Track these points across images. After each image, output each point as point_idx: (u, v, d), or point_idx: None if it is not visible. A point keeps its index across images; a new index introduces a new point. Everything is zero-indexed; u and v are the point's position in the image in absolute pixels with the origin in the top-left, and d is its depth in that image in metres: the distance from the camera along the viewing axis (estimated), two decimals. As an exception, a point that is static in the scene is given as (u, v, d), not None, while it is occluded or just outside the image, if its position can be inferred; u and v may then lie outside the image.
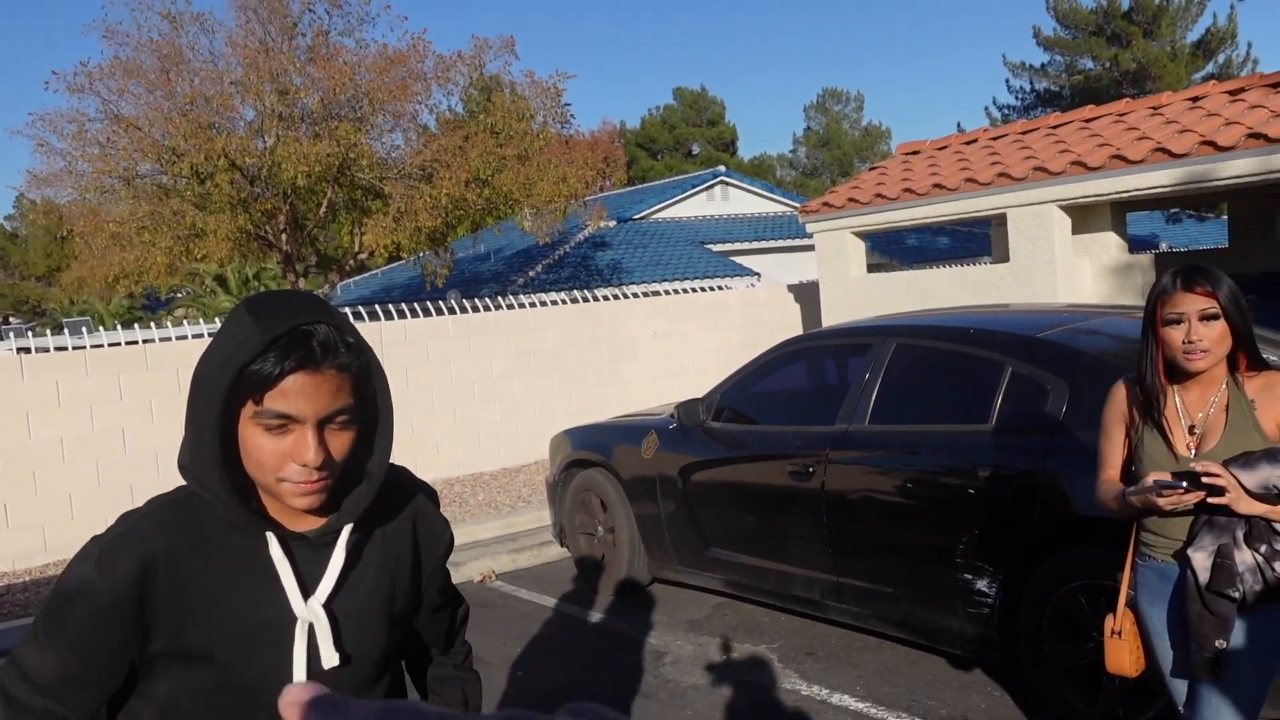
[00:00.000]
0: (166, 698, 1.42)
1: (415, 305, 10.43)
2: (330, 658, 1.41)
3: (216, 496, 1.35)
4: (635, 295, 12.89)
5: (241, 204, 13.58)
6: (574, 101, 77.47)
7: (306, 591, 1.42)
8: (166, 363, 8.77)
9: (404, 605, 1.58)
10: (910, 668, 4.85)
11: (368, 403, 1.41)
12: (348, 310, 10.73)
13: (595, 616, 6.09)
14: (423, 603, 1.65)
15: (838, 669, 4.92)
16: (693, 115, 50.14)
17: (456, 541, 7.78)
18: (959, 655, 4.62)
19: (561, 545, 6.98)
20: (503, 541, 7.84)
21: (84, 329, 9.34)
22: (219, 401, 1.29)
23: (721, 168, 30.04)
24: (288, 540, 1.42)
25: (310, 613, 1.41)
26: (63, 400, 8.26)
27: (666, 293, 12.64)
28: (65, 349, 8.51)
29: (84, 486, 8.33)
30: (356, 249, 15.37)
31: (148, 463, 8.57)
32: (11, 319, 41.54)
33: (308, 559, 1.44)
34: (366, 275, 27.79)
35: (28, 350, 8.35)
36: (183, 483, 1.45)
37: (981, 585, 4.27)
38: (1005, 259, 9.49)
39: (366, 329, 9.78)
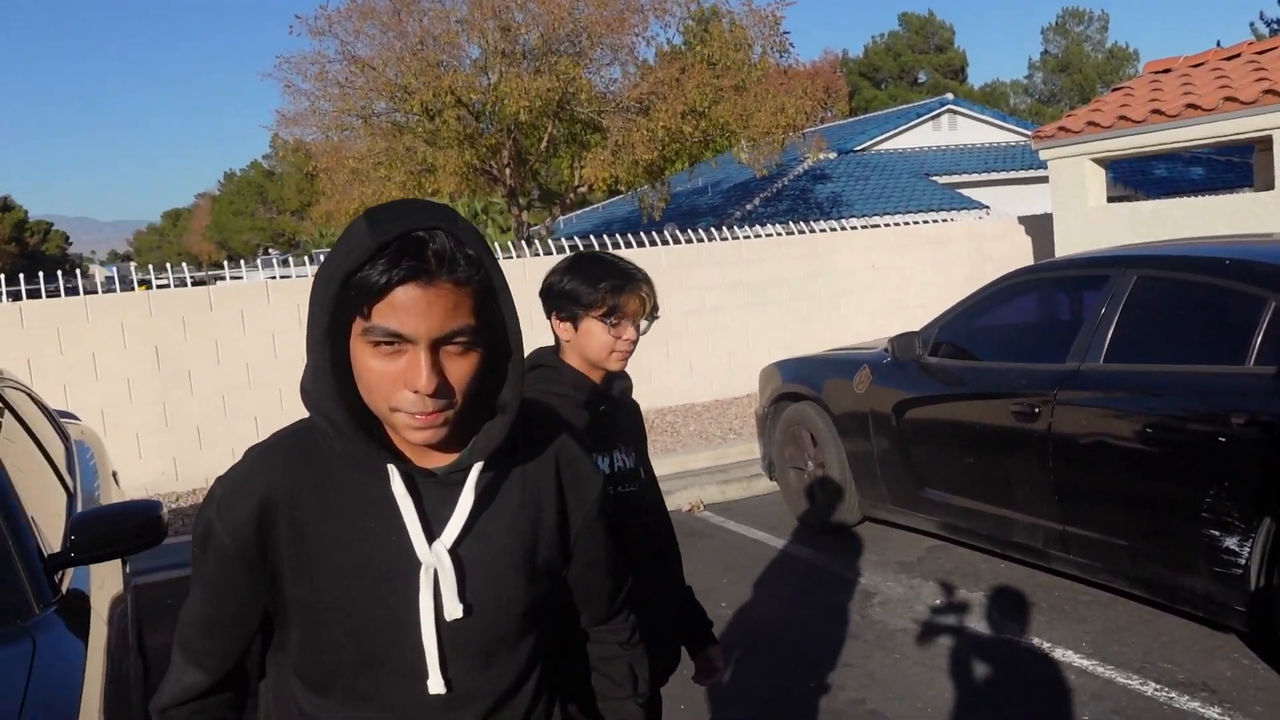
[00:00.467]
0: (299, 650, 1.33)
1: (629, 236, 10.47)
2: (454, 608, 1.28)
3: (333, 424, 1.22)
4: (854, 228, 12.49)
5: (468, 139, 14.01)
6: (793, 30, 75.63)
7: (432, 534, 1.28)
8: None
9: (548, 557, 1.40)
10: (1143, 627, 4.49)
11: (495, 326, 1.25)
12: (565, 243, 10.90)
13: (803, 552, 5.98)
14: (573, 557, 1.47)
15: (1061, 622, 4.62)
16: (919, 41, 47.96)
17: (667, 470, 7.84)
18: (1201, 617, 4.23)
19: (770, 479, 6.89)
20: (712, 472, 7.83)
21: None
22: (326, 314, 1.17)
23: (949, 95, 28.61)
24: (414, 477, 1.28)
25: (434, 557, 1.27)
26: (303, 322, 8.80)
27: (886, 225, 12.17)
28: (305, 277, 9.05)
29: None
30: (576, 183, 15.60)
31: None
32: (270, 250, 44.95)
33: (435, 499, 1.29)
34: (587, 209, 28.29)
35: (272, 278, 8.94)
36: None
37: (1231, 543, 3.87)
38: (1269, 186, 8.54)
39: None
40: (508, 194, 15.34)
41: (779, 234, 11.46)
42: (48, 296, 8.36)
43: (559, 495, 1.41)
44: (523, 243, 13.30)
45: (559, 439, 1.44)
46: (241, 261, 11.15)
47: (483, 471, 1.30)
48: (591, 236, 10.45)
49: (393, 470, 1.25)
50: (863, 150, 24.50)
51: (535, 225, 18.34)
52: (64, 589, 2.51)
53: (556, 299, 2.15)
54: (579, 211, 27.76)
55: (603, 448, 2.15)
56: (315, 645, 1.30)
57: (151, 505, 2.78)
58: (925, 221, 12.31)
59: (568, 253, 9.99)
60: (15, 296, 8.40)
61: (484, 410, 1.30)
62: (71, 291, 8.41)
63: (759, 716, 3.97)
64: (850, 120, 31.10)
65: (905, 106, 30.22)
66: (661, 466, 7.76)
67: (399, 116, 14.89)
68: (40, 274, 8.75)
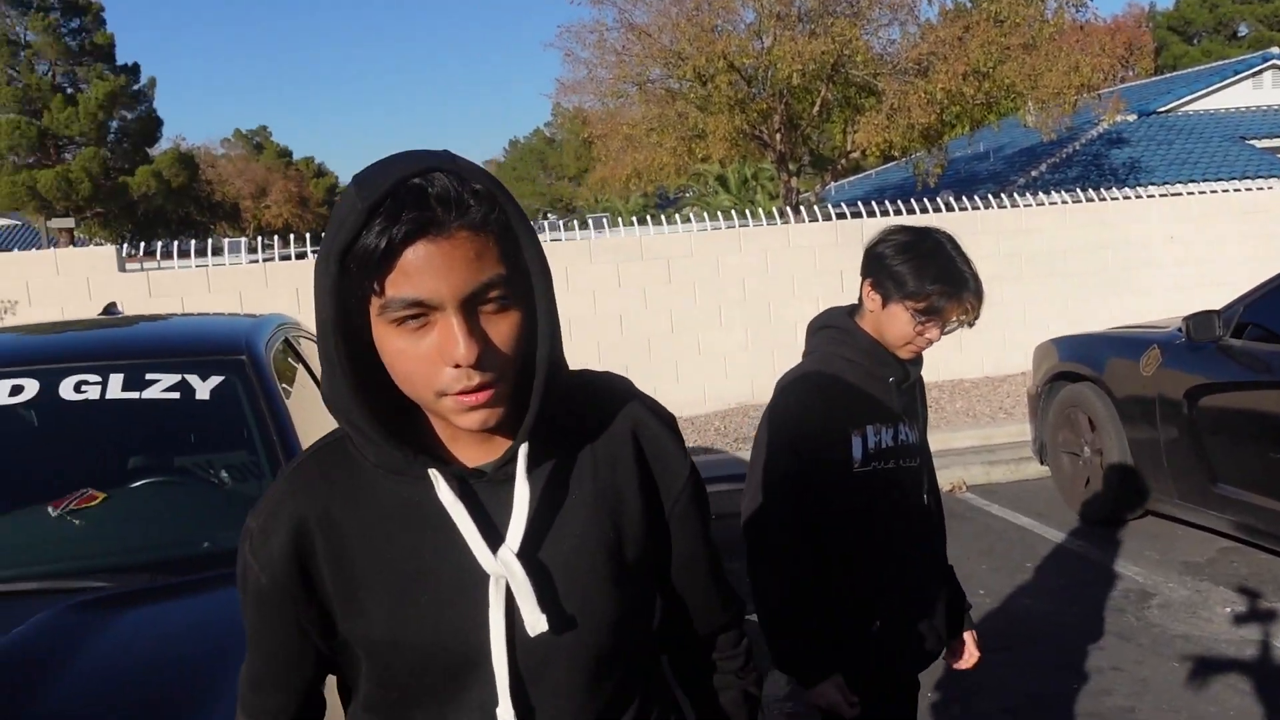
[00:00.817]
0: (367, 691, 1.14)
1: (900, 204, 10.09)
2: (536, 622, 1.06)
3: (359, 431, 1.05)
4: (1150, 196, 11.46)
5: (739, 104, 13.96)
6: (1097, -16, 70.15)
7: (497, 541, 1.07)
8: (659, 254, 9.31)
9: (638, 553, 1.17)
10: None
11: (523, 273, 1.03)
12: (832, 210, 10.66)
13: (1073, 544, 5.57)
14: (671, 552, 1.24)
15: (1379, 646, 4.05)
16: (1244, -11, 43.23)
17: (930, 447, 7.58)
18: None
19: (1041, 463, 6.47)
20: (978, 452, 7.46)
21: (604, 223, 10.19)
22: (330, 302, 0.98)
23: (1275, 49, 25.64)
24: (465, 480, 1.09)
25: (501, 565, 1.06)
26: (571, 285, 9.11)
27: (1190, 193, 11.07)
28: (574, 240, 9.35)
29: (586, 364, 9.15)
30: (848, 148, 15.22)
31: (641, 347, 9.24)
32: (548, 215, 47.02)
33: (495, 501, 1.09)
34: (859, 176, 27.61)
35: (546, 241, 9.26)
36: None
37: None
38: None
39: (844, 226, 9.65)
40: (777, 160, 15.18)
41: (1063, 202, 10.68)
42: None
43: (641, 476, 1.18)
44: (788, 209, 13.14)
45: (633, 411, 1.20)
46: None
47: (541, 457, 1.10)
48: (860, 204, 10.15)
49: (436, 475, 1.07)
50: (1167, 111, 22.45)
51: (805, 192, 18.11)
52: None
53: (880, 271, 2.06)
54: (851, 178, 27.14)
55: (886, 420, 2.09)
56: (382, 685, 1.13)
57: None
58: (1237, 189, 11.10)
59: (834, 220, 9.79)
60: (320, 254, 9.20)
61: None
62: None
63: (1014, 713, 3.73)
64: (1154, 79, 28.55)
65: (1221, 63, 27.38)
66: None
67: (672, 82, 15.05)
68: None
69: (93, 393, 2.64)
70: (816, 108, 14.65)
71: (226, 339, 3.04)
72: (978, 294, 2.03)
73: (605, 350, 9.20)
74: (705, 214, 10.97)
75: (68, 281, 8.24)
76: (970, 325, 2.06)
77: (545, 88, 56.83)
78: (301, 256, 9.06)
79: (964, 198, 10.53)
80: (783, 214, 10.73)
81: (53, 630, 1.97)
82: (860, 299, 2.12)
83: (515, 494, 1.07)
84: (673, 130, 14.76)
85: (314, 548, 1.09)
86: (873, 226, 9.64)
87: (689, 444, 8.47)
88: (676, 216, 10.46)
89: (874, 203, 10.12)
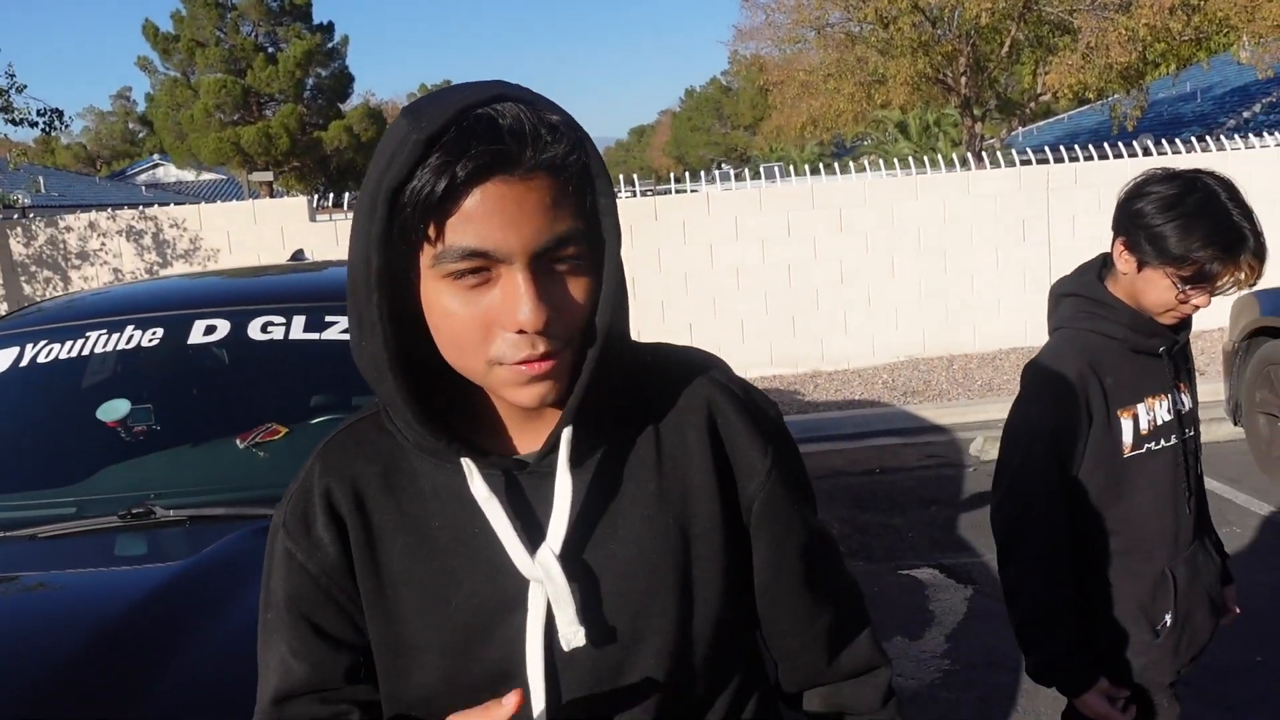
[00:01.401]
0: (387, 708, 1.00)
1: (1091, 149, 9.53)
2: (573, 635, 0.91)
3: (390, 404, 0.91)
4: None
5: (922, 47, 13.50)
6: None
7: (538, 540, 0.92)
8: (831, 203, 9.14)
9: (714, 567, 0.98)
10: None
11: (595, 229, 0.88)
12: (1017, 157, 10.19)
13: (1268, 510, 5.21)
14: (754, 560, 1.02)
15: None
16: None
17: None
18: None
19: (1235, 423, 6.06)
20: (1168, 414, 7.05)
21: (776, 172, 10.07)
22: (377, 251, 0.83)
23: None
24: (510, 470, 0.94)
25: (539, 569, 0.91)
26: (740, 234, 9.06)
27: None
28: (744, 188, 9.28)
29: (753, 313, 9.17)
30: (1038, 90, 14.52)
31: (808, 298, 9.12)
32: (723, 165, 46.78)
33: (540, 494, 0.94)
34: (1051, 120, 26.25)
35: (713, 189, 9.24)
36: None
37: None
38: None
39: (1028, 172, 9.20)
40: (961, 105, 14.63)
41: (1277, 145, 9.85)
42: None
43: (718, 466, 0.98)
44: (969, 155, 12.64)
45: (708, 391, 1.00)
46: (688, 175, 11.72)
47: (594, 446, 0.94)
48: (1047, 149, 9.65)
49: (470, 466, 0.92)
50: None
51: (990, 138, 17.35)
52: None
53: (1136, 230, 1.79)
54: (1041, 123, 25.84)
55: (1159, 392, 1.88)
56: (402, 700, 0.98)
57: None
58: None
59: (1018, 167, 9.34)
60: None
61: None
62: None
63: (1189, 684, 3.53)
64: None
65: None
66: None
67: (852, 26, 14.68)
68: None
69: (277, 333, 2.81)
70: (1006, 48, 14.01)
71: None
72: (1259, 253, 1.73)
73: (772, 299, 9.14)
74: (881, 162, 10.69)
75: (264, 231, 8.78)
76: (1251, 287, 1.78)
77: (723, 35, 56.19)
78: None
79: (1165, 141, 9.86)
80: (964, 161, 10.34)
81: (241, 550, 2.12)
82: (1111, 257, 1.87)
83: (556, 488, 0.92)
84: (851, 75, 14.41)
85: (349, 533, 0.96)
86: (1059, 174, 9.18)
87: (856, 395, 8.33)
88: (850, 164, 10.22)
89: (1062, 148, 9.60)
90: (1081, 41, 12.87)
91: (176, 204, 9.59)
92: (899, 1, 12.80)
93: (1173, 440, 1.89)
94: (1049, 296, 2.00)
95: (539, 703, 0.92)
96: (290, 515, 0.98)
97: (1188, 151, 9.59)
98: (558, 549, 0.91)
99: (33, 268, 8.83)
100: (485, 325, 0.84)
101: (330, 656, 0.98)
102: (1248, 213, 1.74)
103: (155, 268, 8.83)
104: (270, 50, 32.27)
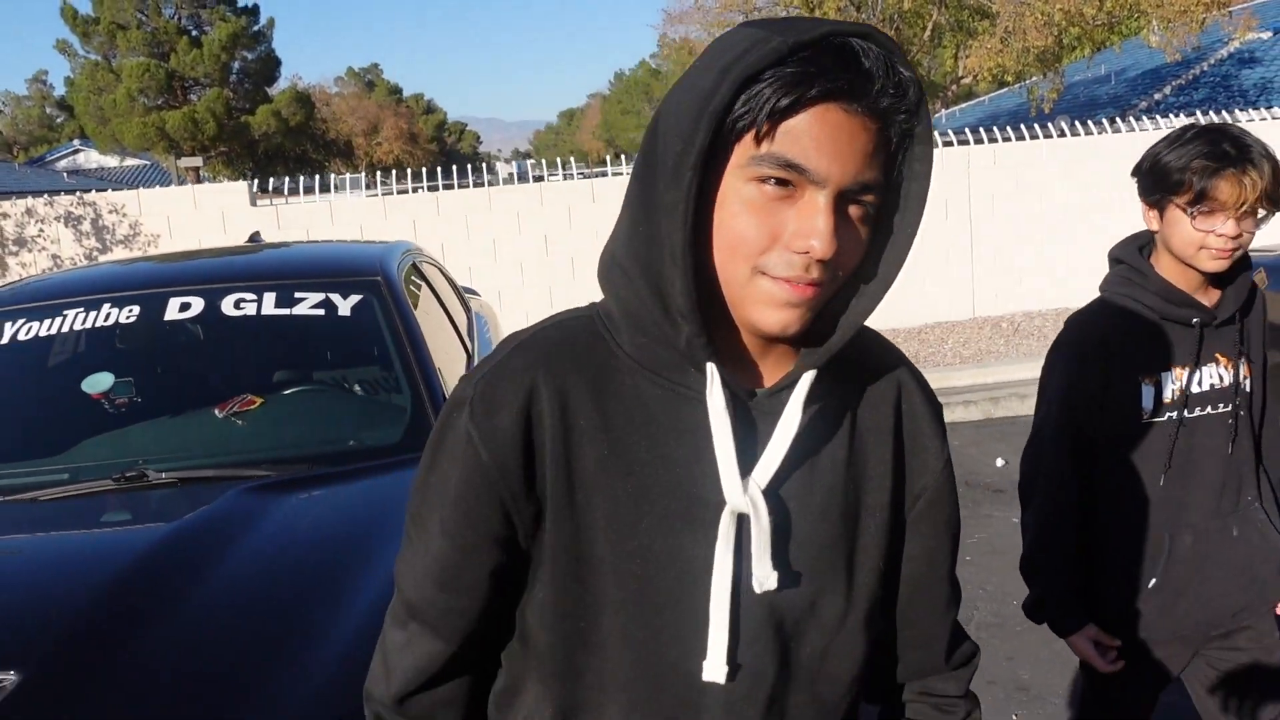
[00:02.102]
0: (540, 622, 0.98)
1: (1010, 130, 9.93)
2: (765, 576, 0.92)
3: (658, 293, 0.89)
4: (1280, 118, 11.01)
5: (847, 31, 13.79)
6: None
7: (747, 473, 0.92)
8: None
9: (877, 534, 1.01)
10: None
11: (893, 190, 0.92)
12: (939, 139, 10.55)
13: None
14: (908, 539, 1.05)
15: None
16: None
17: (1010, 377, 7.53)
18: None
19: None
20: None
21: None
22: (705, 127, 0.83)
23: None
24: (738, 395, 0.94)
25: (747, 499, 0.91)
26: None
27: (1322, 114, 10.61)
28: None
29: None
30: (960, 74, 14.94)
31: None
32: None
33: (747, 428, 0.94)
34: (971, 104, 26.89)
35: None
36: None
37: None
38: None
39: (949, 153, 9.58)
40: (886, 87, 14.98)
41: (1188, 124, 10.34)
42: (459, 189, 9.44)
43: (896, 450, 1.02)
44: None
45: (902, 377, 1.04)
46: (622, 158, 11.93)
47: (814, 394, 0.95)
48: (967, 130, 10.04)
49: (713, 371, 0.91)
50: (1307, 28, 21.21)
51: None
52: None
53: (1145, 183, 1.85)
54: (962, 105, 26.45)
55: (1186, 363, 1.86)
56: (568, 618, 0.96)
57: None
58: (1374, 110, 10.59)
59: (940, 148, 9.70)
60: (434, 189, 9.52)
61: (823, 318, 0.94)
62: (478, 185, 9.41)
63: None
64: (1296, -7, 26.91)
65: (1370, -26, 25.62)
66: (1018, 373, 7.50)
67: (779, 9, 14.92)
68: (454, 169, 9.85)
69: (250, 309, 2.98)
70: (928, 32, 14.40)
71: (363, 262, 3.36)
72: (1259, 167, 1.72)
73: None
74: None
75: (205, 216, 8.81)
76: (1271, 210, 1.76)
77: (652, 19, 56.19)
78: (417, 190, 9.46)
79: (1079, 123, 10.31)
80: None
81: (232, 508, 2.30)
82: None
83: (782, 420, 0.93)
84: (781, 59, 14.67)
85: (544, 430, 0.93)
86: (979, 155, 9.57)
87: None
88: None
89: (982, 129, 9.99)
90: (1000, 26, 13.27)
91: (99, 190, 9.52)
92: (825, -14, 13.11)
93: (1206, 411, 1.89)
94: (1108, 256, 2.01)
95: (720, 636, 0.92)
96: (479, 396, 0.94)
97: (1100, 133, 10.04)
98: (764, 483, 0.92)
99: (-33, 256, 8.76)
100: (772, 235, 0.86)
101: (482, 551, 0.96)
102: (1241, 137, 1.76)
103: (95, 253, 8.80)
104: (194, 33, 31.66)
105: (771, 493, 0.93)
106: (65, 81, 36.21)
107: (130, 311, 2.98)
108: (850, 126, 0.84)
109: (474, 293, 5.86)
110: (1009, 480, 5.39)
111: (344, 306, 3.01)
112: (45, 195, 9.28)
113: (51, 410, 2.96)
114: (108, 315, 2.96)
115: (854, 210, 0.87)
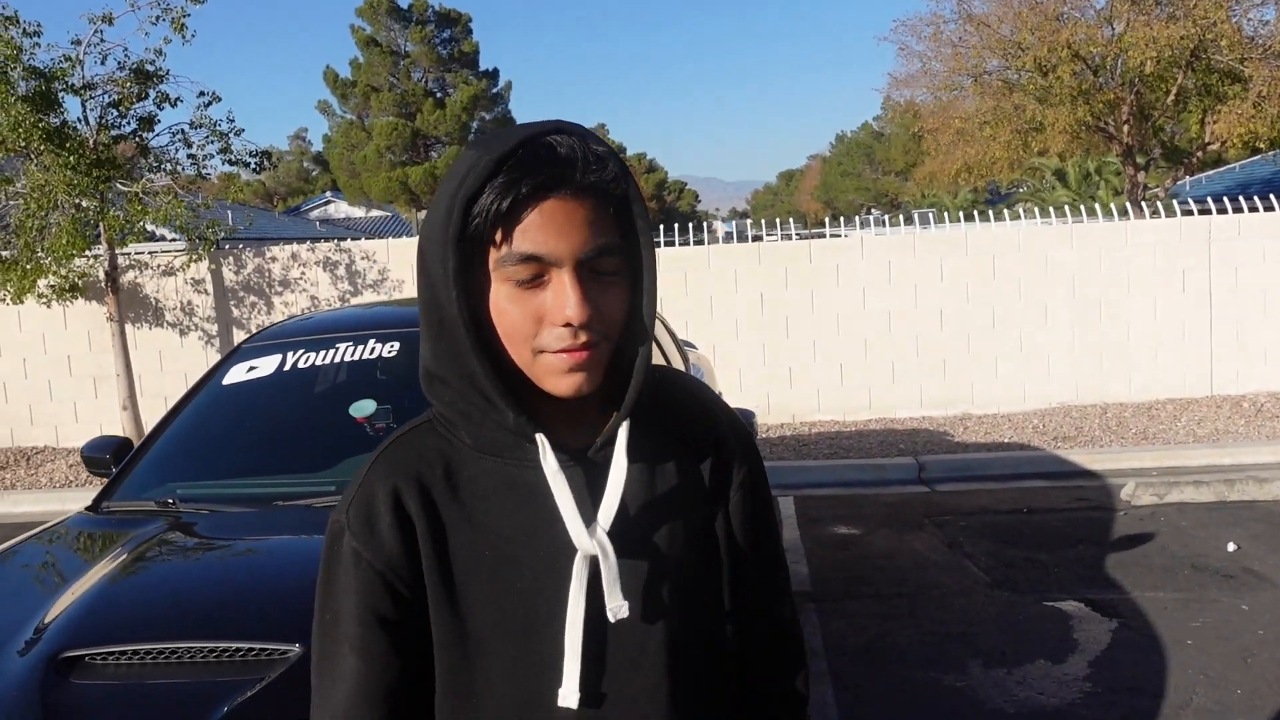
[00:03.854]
0: (444, 710, 1.07)
1: (1257, 200, 9.37)
2: (619, 606, 1.02)
3: (477, 390, 1.00)
4: None
5: (1082, 95, 13.40)
6: None
7: (591, 520, 1.04)
8: (984, 249, 9.27)
9: (717, 554, 1.15)
10: None
11: (634, 249, 1.04)
12: (1178, 207, 10.07)
13: None
14: (731, 526, 1.17)
15: None
16: None
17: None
18: None
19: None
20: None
21: (929, 218, 10.23)
22: (453, 251, 0.97)
23: None
24: (568, 456, 1.06)
25: (594, 543, 1.02)
26: (893, 278, 9.28)
27: None
28: (898, 233, 9.46)
29: (903, 356, 9.37)
30: (1206, 139, 14.20)
31: (959, 342, 9.27)
32: (873, 210, 46.49)
33: (582, 483, 1.06)
34: (1220, 170, 25.33)
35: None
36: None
37: None
38: None
39: (1189, 223, 9.12)
40: (1123, 153, 14.41)
41: None
42: (679, 246, 9.75)
43: (715, 472, 1.16)
44: (1128, 205, 12.49)
45: (711, 409, 1.19)
46: (840, 220, 11.98)
47: (637, 442, 1.07)
48: (1210, 199, 9.54)
49: (544, 443, 1.02)
50: None
51: (1154, 187, 16.97)
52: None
53: None
54: (1210, 172, 24.97)
55: None
56: (470, 693, 1.06)
57: (745, 413, 3.35)
58: None
59: (1179, 217, 9.27)
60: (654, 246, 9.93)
61: (621, 372, 1.07)
62: (698, 243, 9.71)
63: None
64: None
65: None
66: (1257, 455, 7.04)
67: (1010, 74, 14.67)
68: (675, 227, 10.20)
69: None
70: (1171, 97, 13.78)
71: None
72: None
73: (923, 343, 9.30)
74: (1037, 210, 10.71)
75: (444, 264, 9.47)
76: None
77: (876, 82, 56.14)
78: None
79: (1338, 193, 9.61)
80: (1122, 210, 10.27)
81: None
82: None
83: (612, 469, 1.04)
84: (1008, 123, 14.39)
85: (416, 528, 1.04)
86: (1222, 225, 9.10)
87: (1005, 439, 8.37)
88: (1005, 211, 10.30)
89: (1226, 199, 9.48)
90: (1253, 90, 12.58)
91: (352, 238, 10.37)
92: (1059, 50, 12.77)
93: None
94: None
95: (573, 665, 1.02)
96: (354, 518, 1.04)
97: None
98: (608, 525, 1.03)
99: (240, 293, 9.74)
100: (537, 319, 0.98)
101: (395, 658, 1.03)
102: None
103: (347, 295, 9.63)
104: (439, 95, 34.00)
105: (616, 534, 1.03)
106: (323, 138, 39.56)
107: (392, 347, 3.32)
108: (566, 208, 0.97)
109: (692, 345, 6.08)
110: (1240, 567, 5.07)
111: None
112: (308, 242, 10.23)
113: (322, 430, 3.34)
114: (372, 349, 3.32)
115: (602, 274, 1.00)
